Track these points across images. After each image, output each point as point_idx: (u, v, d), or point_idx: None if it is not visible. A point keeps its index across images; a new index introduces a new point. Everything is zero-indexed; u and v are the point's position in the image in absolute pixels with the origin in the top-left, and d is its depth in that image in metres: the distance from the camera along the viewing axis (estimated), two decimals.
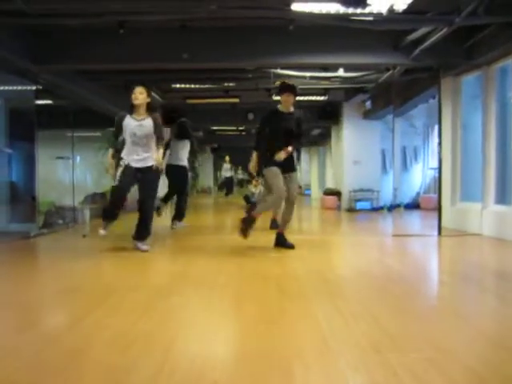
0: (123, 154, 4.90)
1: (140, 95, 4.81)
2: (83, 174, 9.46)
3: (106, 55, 6.36)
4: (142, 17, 5.37)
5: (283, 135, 4.94)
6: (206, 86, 8.91)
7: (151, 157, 4.87)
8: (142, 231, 4.98)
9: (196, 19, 5.65)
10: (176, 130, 7.32)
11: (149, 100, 4.90)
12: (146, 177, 4.86)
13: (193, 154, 7.26)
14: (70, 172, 8.19)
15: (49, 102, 8.00)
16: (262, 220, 7.55)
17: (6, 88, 6.95)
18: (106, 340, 2.28)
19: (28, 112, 6.74)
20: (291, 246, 4.99)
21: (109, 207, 5.03)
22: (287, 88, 5.06)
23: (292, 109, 5.08)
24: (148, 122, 4.85)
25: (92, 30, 6.07)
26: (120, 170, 4.84)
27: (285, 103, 5.04)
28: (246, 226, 4.90)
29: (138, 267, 4.31)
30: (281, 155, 4.87)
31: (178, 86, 8.94)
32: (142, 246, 4.94)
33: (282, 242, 5.04)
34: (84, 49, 6.28)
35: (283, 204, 5.18)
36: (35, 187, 6.77)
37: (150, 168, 4.86)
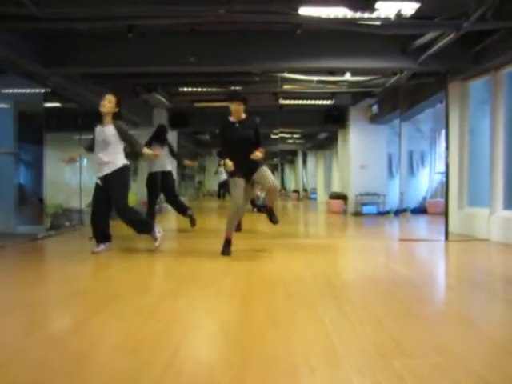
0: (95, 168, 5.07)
1: (108, 103, 4.90)
2: (90, 177, 9.50)
3: (114, 58, 6.41)
4: (150, 21, 5.41)
5: (240, 145, 4.92)
6: (213, 89, 8.95)
7: (114, 163, 4.93)
8: (140, 230, 5.14)
9: (204, 23, 5.68)
10: (154, 134, 7.26)
11: (117, 109, 4.97)
12: (112, 182, 4.93)
13: (179, 164, 7.26)
14: (77, 174, 8.24)
15: (57, 104, 8.04)
16: (267, 223, 7.54)
17: (16, 91, 7.00)
18: (111, 343, 2.29)
19: (36, 115, 6.80)
20: (275, 222, 5.21)
21: (94, 231, 5.08)
22: (235, 97, 4.99)
23: (244, 116, 5.00)
24: (109, 129, 4.92)
25: (101, 33, 6.12)
26: (93, 191, 5.08)
27: (235, 113, 4.96)
28: (224, 246, 4.92)
29: (145, 269, 4.32)
30: (258, 154, 4.86)
31: (185, 89, 8.98)
32: (155, 234, 5.07)
33: (269, 213, 5.22)
34: (93, 52, 6.33)
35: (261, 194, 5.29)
36: (43, 189, 6.81)
37: (113, 174, 4.92)
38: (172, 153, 7.24)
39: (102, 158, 4.92)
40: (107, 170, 4.92)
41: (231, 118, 5.03)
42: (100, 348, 2.22)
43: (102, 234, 5.03)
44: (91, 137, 5.07)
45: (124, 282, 3.82)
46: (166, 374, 1.89)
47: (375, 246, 6.02)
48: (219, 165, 17.68)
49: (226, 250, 4.89)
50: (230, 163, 4.88)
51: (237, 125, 4.98)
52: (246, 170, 4.95)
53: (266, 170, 5.01)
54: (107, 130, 4.91)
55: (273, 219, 5.23)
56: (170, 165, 7.22)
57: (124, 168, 5.00)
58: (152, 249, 5.01)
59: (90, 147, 5.08)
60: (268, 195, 5.30)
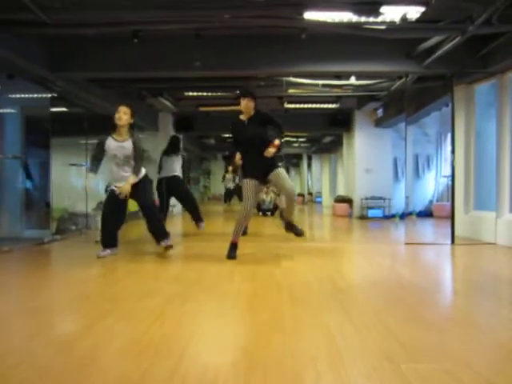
0: (109, 179, 5.01)
1: (124, 115, 4.84)
2: (96, 181, 9.54)
3: (120, 63, 6.46)
4: (155, 26, 5.44)
5: (251, 143, 4.87)
6: (218, 93, 8.97)
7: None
8: (160, 234, 5.08)
9: (209, 28, 5.71)
10: (167, 146, 7.39)
11: (131, 121, 4.94)
12: (135, 188, 4.92)
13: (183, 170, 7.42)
14: (82, 179, 8.27)
15: (63, 109, 8.09)
16: (273, 226, 7.54)
17: (22, 96, 7.06)
18: (117, 347, 2.29)
19: (43, 119, 6.84)
20: (301, 234, 5.15)
21: (102, 235, 5.09)
22: (245, 93, 4.95)
23: (252, 112, 4.96)
24: (129, 144, 4.89)
25: (107, 38, 6.16)
26: (106, 196, 5.05)
27: (245, 110, 4.94)
28: (230, 250, 4.91)
29: (150, 273, 4.33)
30: (270, 150, 4.77)
31: (190, 93, 9.01)
32: (167, 242, 5.07)
33: (291, 228, 5.17)
34: (99, 57, 6.39)
35: (283, 200, 5.22)
36: (49, 194, 6.85)
37: (136, 185, 4.93)
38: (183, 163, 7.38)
39: (123, 173, 4.90)
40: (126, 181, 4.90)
41: (241, 117, 5.00)
42: (106, 352, 2.23)
43: (110, 239, 5.04)
44: (94, 157, 4.97)
45: (130, 285, 3.83)
46: (171, 378, 1.90)
47: (381, 249, 6.00)
48: (226, 171, 17.59)
49: (232, 253, 4.88)
50: (237, 158, 4.90)
51: (246, 122, 4.94)
52: (260, 170, 4.87)
53: (282, 172, 4.93)
54: (128, 146, 4.87)
55: (298, 232, 5.17)
56: (178, 171, 7.25)
57: (145, 178, 5.05)
58: (163, 246, 5.07)
59: (97, 168, 4.99)
60: (285, 204, 5.19)
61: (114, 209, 5.02)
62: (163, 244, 5.06)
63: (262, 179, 4.97)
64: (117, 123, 4.84)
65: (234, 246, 4.91)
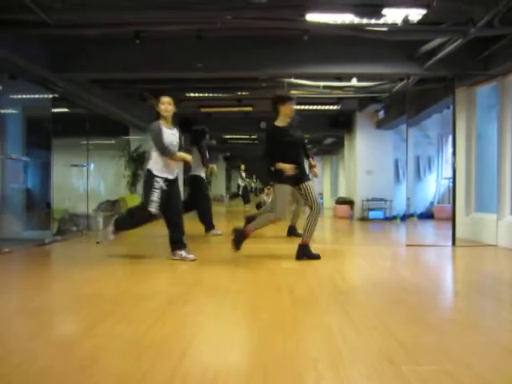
0: (156, 171, 4.75)
1: (169, 106, 4.82)
2: (97, 182, 9.55)
3: (122, 64, 6.46)
4: (157, 27, 5.44)
5: (294, 149, 4.85)
6: (220, 94, 8.98)
7: (176, 169, 4.96)
8: (179, 243, 4.92)
9: (211, 29, 5.72)
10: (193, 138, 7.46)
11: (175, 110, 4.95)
12: (173, 189, 4.88)
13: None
14: (84, 179, 8.28)
15: (64, 109, 8.10)
16: (278, 227, 7.54)
17: (24, 96, 7.07)
18: (118, 348, 2.30)
19: (44, 120, 6.85)
20: (317, 257, 4.91)
21: (128, 224, 5.07)
22: (291, 97, 4.94)
23: (289, 119, 4.94)
24: (177, 132, 4.95)
25: (109, 39, 6.17)
26: (156, 194, 4.72)
27: (291, 114, 4.90)
28: (237, 239, 4.89)
29: (151, 275, 4.33)
30: (316, 172, 5.03)
31: (192, 94, 9.01)
32: (188, 255, 4.89)
33: (306, 254, 4.90)
34: (100, 58, 6.39)
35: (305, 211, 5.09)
36: (50, 194, 6.85)
37: (176, 180, 4.93)
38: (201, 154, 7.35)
39: (174, 164, 4.85)
40: (174, 175, 4.87)
41: (279, 123, 4.93)
42: (107, 352, 2.23)
43: (131, 227, 5.12)
44: (163, 143, 4.70)
45: (130, 286, 3.83)
46: (172, 379, 1.90)
47: (382, 251, 6.00)
48: (241, 169, 17.60)
49: (236, 243, 4.91)
50: (288, 166, 4.70)
51: (288, 128, 4.89)
52: (295, 176, 4.82)
53: (312, 186, 4.90)
54: (177, 133, 4.91)
55: (314, 256, 4.88)
56: (198, 168, 7.23)
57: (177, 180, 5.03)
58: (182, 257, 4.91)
59: (171, 149, 4.79)
60: (308, 220, 4.85)
61: (160, 209, 4.84)
62: (176, 254, 4.88)
63: (294, 184, 4.93)
64: (164, 115, 4.79)
65: (243, 238, 4.91)
